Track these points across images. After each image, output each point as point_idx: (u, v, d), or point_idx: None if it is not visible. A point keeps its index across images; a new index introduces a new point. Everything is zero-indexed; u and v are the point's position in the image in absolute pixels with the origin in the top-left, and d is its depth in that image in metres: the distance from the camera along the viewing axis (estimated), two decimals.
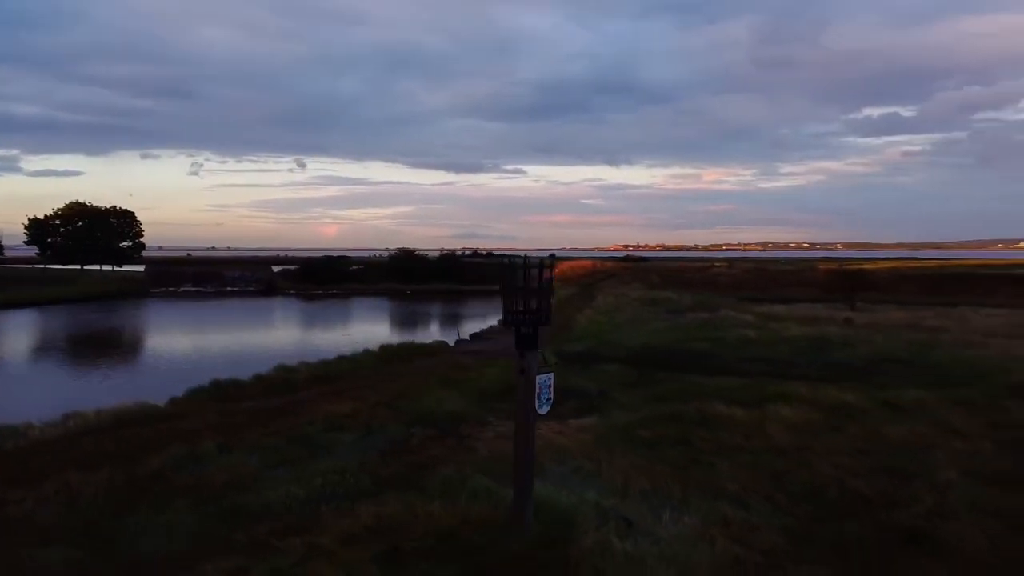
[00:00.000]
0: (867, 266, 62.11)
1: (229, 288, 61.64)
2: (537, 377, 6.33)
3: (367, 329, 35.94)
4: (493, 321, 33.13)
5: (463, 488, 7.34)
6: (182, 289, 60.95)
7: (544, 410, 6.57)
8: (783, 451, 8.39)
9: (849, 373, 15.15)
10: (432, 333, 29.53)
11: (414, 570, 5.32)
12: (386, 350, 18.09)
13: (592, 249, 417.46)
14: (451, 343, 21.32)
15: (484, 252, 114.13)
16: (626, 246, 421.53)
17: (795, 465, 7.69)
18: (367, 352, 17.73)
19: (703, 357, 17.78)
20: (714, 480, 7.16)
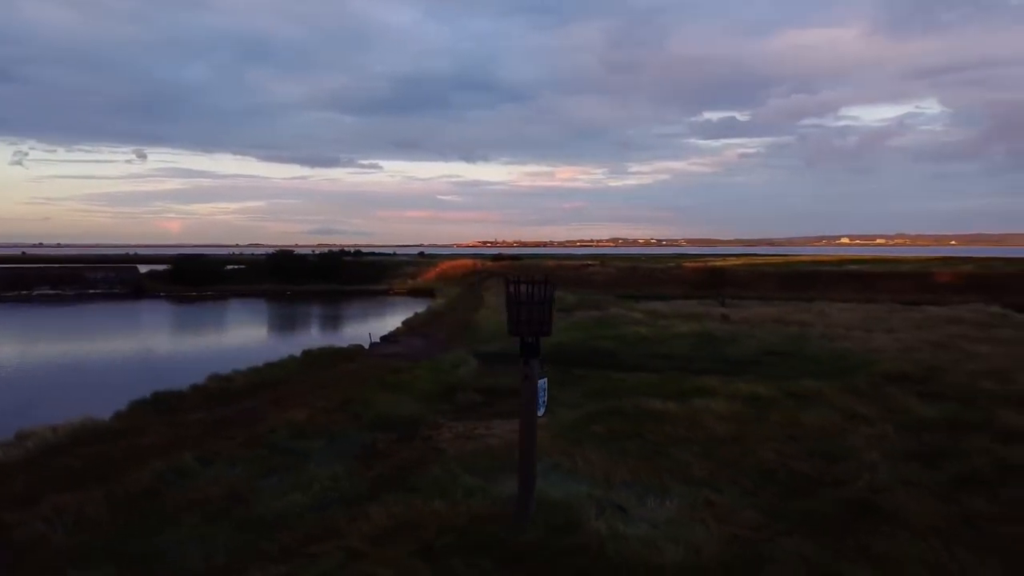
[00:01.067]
0: (725, 263, 66.72)
1: (92, 291, 57.78)
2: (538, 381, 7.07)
3: (263, 333, 35.16)
4: (393, 322, 33.34)
5: (456, 487, 7.93)
6: (37, 293, 56.59)
7: (542, 411, 7.32)
8: (725, 440, 9.50)
9: (744, 367, 16.70)
10: (343, 336, 29.41)
11: (456, 564, 5.88)
12: (308, 355, 18.09)
13: (451, 246, 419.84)
14: (366, 346, 21.50)
15: (350, 250, 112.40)
16: (485, 242, 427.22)
17: (741, 452, 8.79)
18: (292, 357, 17.68)
19: (610, 355, 18.97)
20: (681, 468, 8.12)
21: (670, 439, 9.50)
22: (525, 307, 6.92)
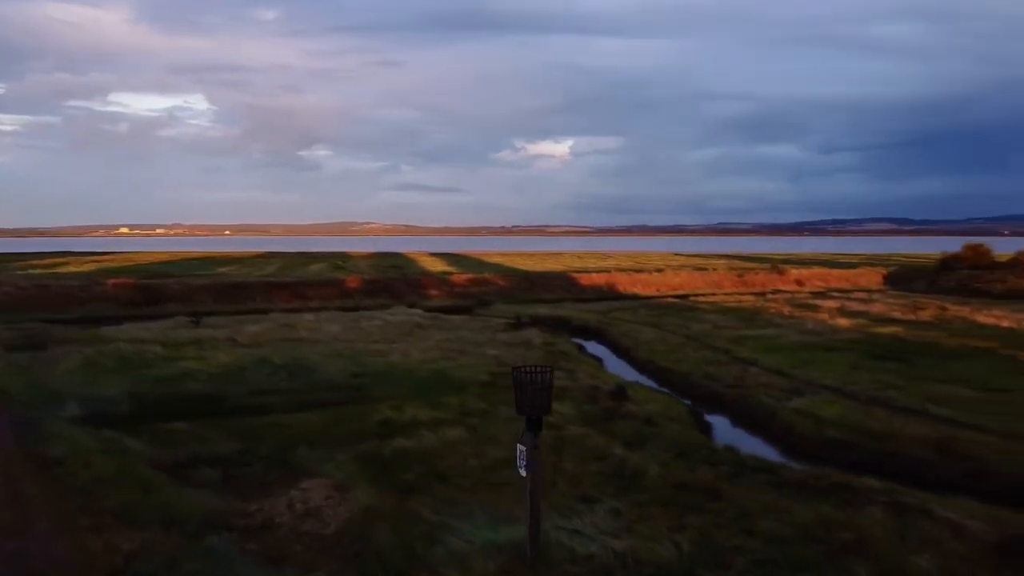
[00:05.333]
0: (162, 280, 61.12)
1: None
2: (519, 446, 9.04)
3: None
4: None
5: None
6: None
7: (525, 472, 9.26)
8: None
9: (356, 392, 18.84)
10: None
11: None
12: None
13: None
14: None
15: None
16: None
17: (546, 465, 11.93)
18: None
19: (220, 399, 18.33)
20: (555, 488, 10.88)
21: (484, 466, 11.97)
22: (529, 391, 8.83)
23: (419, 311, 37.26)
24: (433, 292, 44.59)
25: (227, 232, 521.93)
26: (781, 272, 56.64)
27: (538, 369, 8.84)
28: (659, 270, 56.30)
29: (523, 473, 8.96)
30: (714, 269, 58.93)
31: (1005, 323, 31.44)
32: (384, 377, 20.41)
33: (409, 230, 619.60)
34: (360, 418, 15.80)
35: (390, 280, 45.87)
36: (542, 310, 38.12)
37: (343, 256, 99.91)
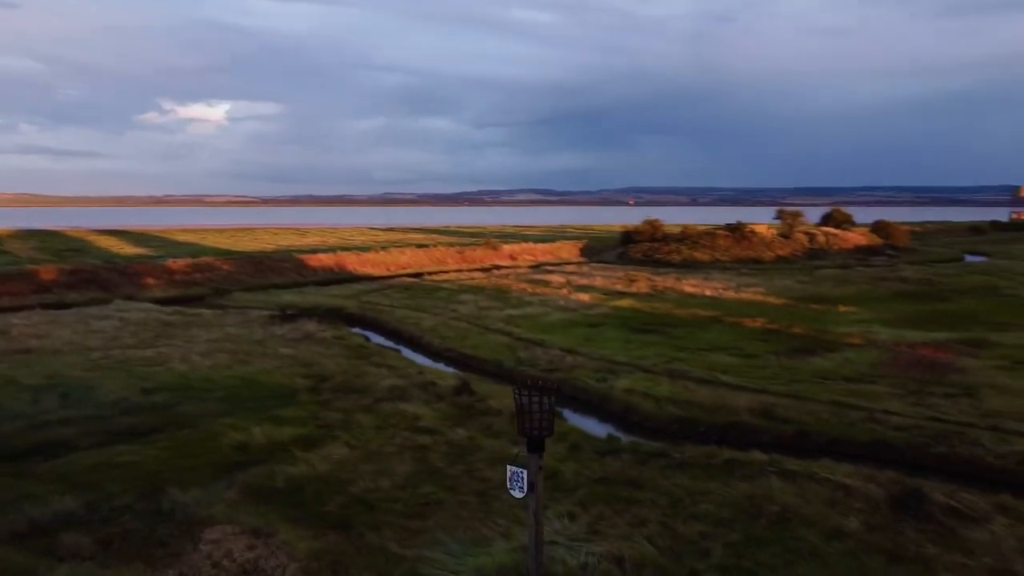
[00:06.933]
0: None
1: None
2: (509, 466, 9.09)
3: None
4: None
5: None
6: None
7: (518, 494, 9.27)
8: (439, 471, 12.16)
9: (164, 412, 16.55)
10: None
11: None
12: None
13: None
14: None
15: None
16: None
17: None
18: None
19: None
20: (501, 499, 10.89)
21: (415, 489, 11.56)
22: (537, 413, 8.84)
23: (149, 305, 33.24)
24: (151, 281, 39.76)
25: None
26: (495, 248, 60.11)
27: (541, 390, 8.92)
28: (384, 248, 56.30)
29: (517, 495, 9.04)
30: (435, 245, 60.53)
31: (707, 292, 37.22)
32: (185, 391, 18.13)
33: (35, 200, 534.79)
34: (206, 445, 14.09)
35: (96, 269, 39.81)
36: (289, 297, 36.19)
37: None
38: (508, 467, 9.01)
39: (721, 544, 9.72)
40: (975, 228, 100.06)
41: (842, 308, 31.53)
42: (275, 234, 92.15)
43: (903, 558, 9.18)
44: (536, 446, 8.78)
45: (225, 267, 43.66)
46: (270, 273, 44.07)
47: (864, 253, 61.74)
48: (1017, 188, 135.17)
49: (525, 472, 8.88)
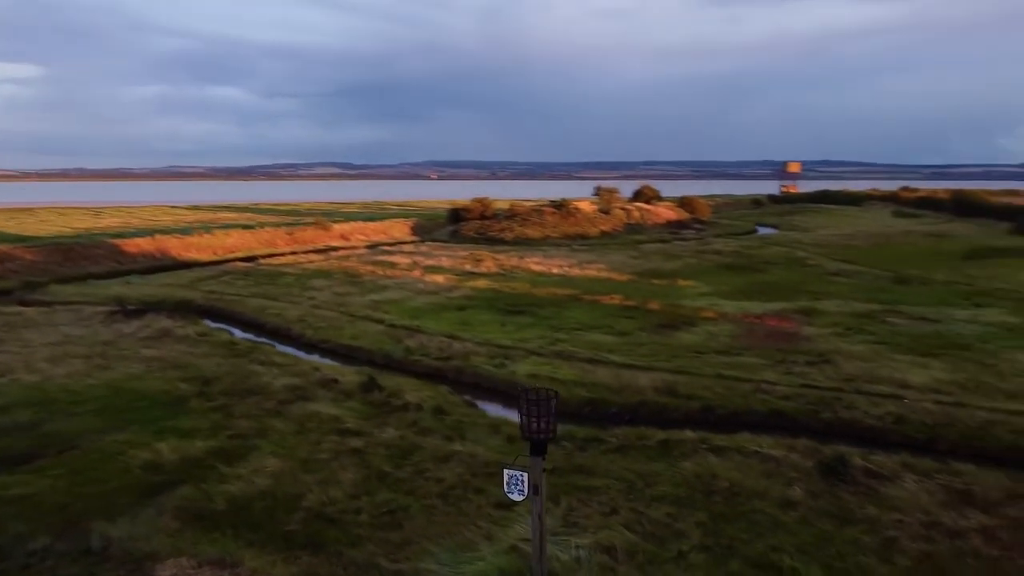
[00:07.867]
0: None
1: None
2: (507, 470, 9.20)
3: None
4: None
5: None
6: None
7: (517, 497, 9.33)
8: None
9: (33, 431, 14.59)
10: None
11: None
12: None
13: None
14: None
15: None
16: None
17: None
18: None
19: None
20: (471, 501, 10.85)
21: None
22: (543, 417, 8.92)
23: None
24: None
25: None
26: (327, 228, 58.07)
27: (544, 393, 9.06)
28: (207, 230, 52.47)
29: (516, 498, 9.19)
30: (261, 226, 57.30)
31: (554, 270, 38.52)
32: (46, 406, 16.06)
33: None
34: (107, 468, 12.68)
35: None
36: (117, 289, 32.80)
37: None
38: (505, 471, 9.13)
39: (693, 524, 10.36)
40: (756, 201, 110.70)
41: (681, 282, 33.95)
42: (62, 214, 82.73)
43: (851, 520, 10.32)
44: (539, 449, 8.91)
45: (28, 256, 38.70)
46: (83, 261, 39.67)
47: (675, 227, 66.62)
48: (785, 163, 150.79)
49: (526, 475, 9.02)
